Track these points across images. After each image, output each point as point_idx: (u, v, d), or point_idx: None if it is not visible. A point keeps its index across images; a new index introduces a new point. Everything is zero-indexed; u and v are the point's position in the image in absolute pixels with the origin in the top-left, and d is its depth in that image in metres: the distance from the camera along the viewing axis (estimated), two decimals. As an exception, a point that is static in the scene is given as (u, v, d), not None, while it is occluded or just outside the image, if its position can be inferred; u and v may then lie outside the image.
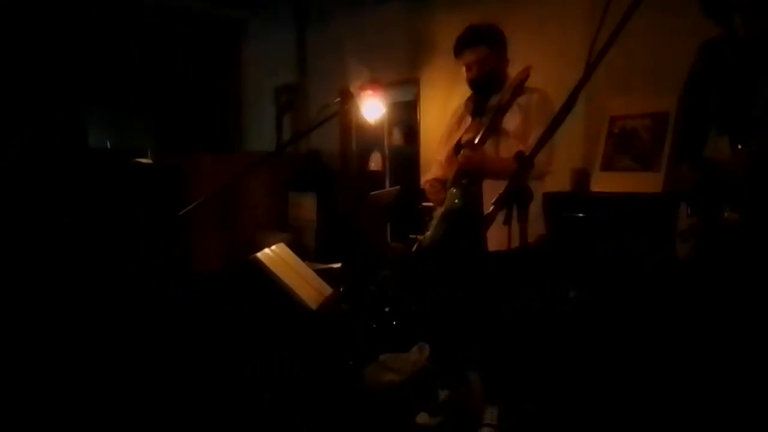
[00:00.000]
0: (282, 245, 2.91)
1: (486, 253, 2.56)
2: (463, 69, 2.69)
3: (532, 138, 2.47)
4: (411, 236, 4.32)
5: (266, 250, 2.71)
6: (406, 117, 4.89)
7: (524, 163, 1.60)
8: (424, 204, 4.30)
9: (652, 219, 3.21)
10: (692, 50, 3.35)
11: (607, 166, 3.62)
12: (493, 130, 2.57)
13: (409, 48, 4.75)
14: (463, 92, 4.51)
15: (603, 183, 3.59)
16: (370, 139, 5.08)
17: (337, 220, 5.32)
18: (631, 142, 3.58)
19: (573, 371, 3.03)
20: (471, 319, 2.73)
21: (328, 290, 2.90)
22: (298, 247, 5.09)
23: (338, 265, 3.80)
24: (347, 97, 5.31)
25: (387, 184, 5.01)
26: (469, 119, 2.74)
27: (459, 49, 2.66)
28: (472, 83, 2.67)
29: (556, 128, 1.51)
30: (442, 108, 4.69)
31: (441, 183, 2.76)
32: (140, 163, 3.99)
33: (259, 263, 2.57)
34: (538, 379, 3.04)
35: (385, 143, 5.06)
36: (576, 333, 3.14)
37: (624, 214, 3.29)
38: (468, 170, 2.49)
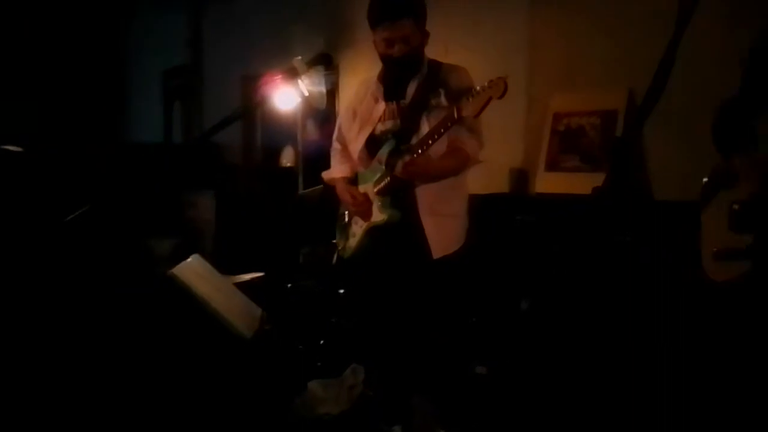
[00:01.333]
0: (197, 257, 2.35)
1: (432, 264, 2.19)
2: (376, 43, 2.24)
3: (466, 127, 2.14)
4: (334, 242, 3.86)
5: (183, 265, 2.15)
6: (324, 109, 4.40)
7: (624, 149, 1.23)
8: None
9: (605, 222, 3.04)
10: (646, 43, 3.25)
11: (552, 166, 3.38)
12: (416, 117, 2.19)
13: (327, 30, 4.27)
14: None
15: (548, 184, 3.34)
16: (281, 132, 4.54)
17: (241, 221, 4.73)
18: (577, 141, 3.35)
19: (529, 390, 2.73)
20: (415, 335, 2.33)
21: (257, 311, 2.38)
22: (192, 252, 4.49)
23: (258, 275, 3.26)
24: (251, 84, 4.78)
25: (300, 182, 4.49)
26: (382, 104, 2.30)
27: (377, 20, 2.18)
28: (393, 62, 2.20)
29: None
30: (365, 99, 4.27)
31: (352, 186, 2.34)
32: (5, 150, 3.18)
33: (177, 281, 2.00)
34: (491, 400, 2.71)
35: (299, 137, 4.55)
36: (532, 348, 2.85)
37: (577, 218, 3.06)
38: (410, 180, 2.09)
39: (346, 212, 2.47)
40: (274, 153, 4.72)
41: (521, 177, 3.54)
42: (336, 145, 2.58)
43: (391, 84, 2.30)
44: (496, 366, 2.69)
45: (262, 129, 4.91)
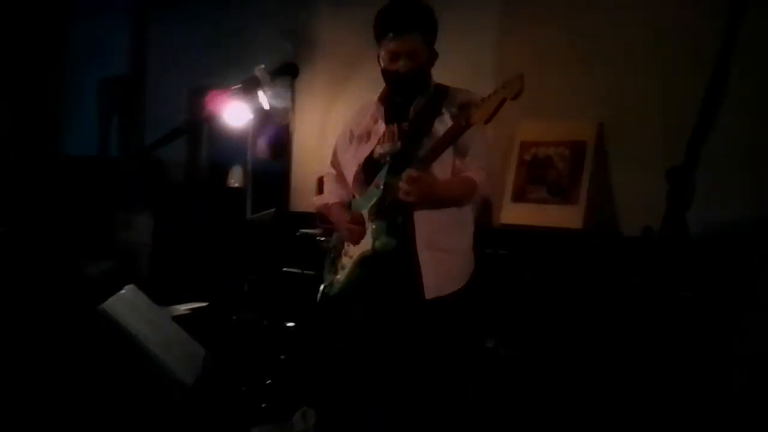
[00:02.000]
0: (132, 288, 2.05)
1: (423, 305, 1.97)
2: (381, 57, 2.05)
3: (471, 153, 1.94)
4: (285, 270, 3.58)
5: (115, 299, 1.85)
6: (276, 127, 4.14)
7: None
8: (304, 231, 3.62)
9: (579, 257, 2.90)
10: (617, 75, 3.18)
11: (519, 196, 3.22)
12: (419, 140, 1.99)
13: (284, 45, 4.03)
14: (351, 100, 3.99)
15: (514, 215, 3.19)
16: (229, 150, 4.23)
17: (181, 245, 4.38)
18: (545, 172, 3.22)
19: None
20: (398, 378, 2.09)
21: (200, 352, 2.09)
22: (126, 278, 4.11)
23: (200, 305, 2.96)
24: (198, 97, 4.47)
25: (248, 204, 4.19)
26: (382, 126, 2.11)
27: (384, 31, 2.00)
28: (397, 79, 2.01)
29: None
30: (322, 117, 4.03)
31: (348, 210, 2.13)
32: None
33: (107, 318, 1.70)
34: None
35: (249, 156, 4.27)
36: (501, 393, 2.64)
37: (547, 252, 2.91)
38: (413, 200, 1.84)
39: (334, 245, 2.24)
40: (221, 172, 4.41)
41: (485, 208, 3.38)
42: (330, 171, 2.38)
43: (392, 104, 2.11)
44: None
45: (208, 146, 4.60)
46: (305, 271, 3.41)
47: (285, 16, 4.11)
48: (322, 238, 3.45)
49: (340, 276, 2.12)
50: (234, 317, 3.40)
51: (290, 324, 3.58)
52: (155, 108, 4.77)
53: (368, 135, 2.14)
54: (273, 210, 3.49)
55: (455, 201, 1.99)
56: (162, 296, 3.19)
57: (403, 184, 1.81)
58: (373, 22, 2.07)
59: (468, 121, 1.78)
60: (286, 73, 2.03)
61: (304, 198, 4.00)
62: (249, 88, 1.98)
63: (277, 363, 3.01)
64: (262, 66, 2.02)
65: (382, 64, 2.04)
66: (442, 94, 2.05)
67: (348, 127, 2.25)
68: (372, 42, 3.78)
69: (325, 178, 2.39)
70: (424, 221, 1.99)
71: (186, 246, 4.36)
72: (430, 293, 1.96)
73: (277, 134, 4.16)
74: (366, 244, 2.02)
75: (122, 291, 1.94)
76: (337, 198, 2.27)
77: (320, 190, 3.61)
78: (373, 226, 2.00)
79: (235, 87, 1.98)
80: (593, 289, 2.71)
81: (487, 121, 1.76)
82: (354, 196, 2.21)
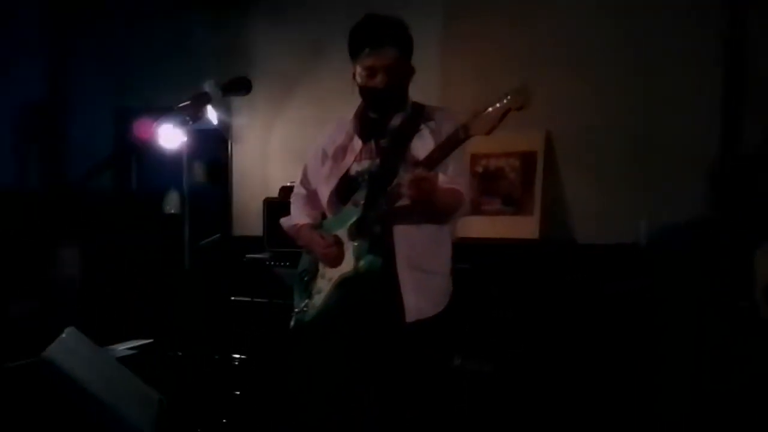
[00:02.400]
0: (73, 330, 1.83)
1: (403, 328, 1.86)
2: (357, 74, 1.95)
3: (452, 170, 1.86)
4: (233, 299, 3.38)
5: (57, 344, 1.63)
6: (213, 148, 3.94)
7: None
8: (251, 256, 3.43)
9: (543, 269, 2.88)
10: (563, 84, 3.20)
11: (474, 209, 3.17)
12: (398, 157, 1.91)
13: (219, 63, 3.86)
14: (292, 119, 3.86)
15: (470, 228, 3.13)
16: (162, 175, 3.99)
17: (114, 279, 4.09)
18: (497, 184, 3.20)
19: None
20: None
21: (152, 394, 1.89)
22: (53, 317, 3.77)
23: (144, 342, 2.73)
24: (126, 119, 4.21)
25: (186, 231, 3.95)
26: (358, 143, 2.02)
27: (360, 46, 1.93)
28: (374, 95, 1.93)
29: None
30: (262, 138, 3.87)
31: (322, 232, 2.00)
32: None
33: (54, 367, 1.50)
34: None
35: (185, 180, 4.04)
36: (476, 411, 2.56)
37: (510, 265, 2.87)
38: (416, 197, 1.74)
39: (306, 268, 2.09)
40: (155, 198, 4.15)
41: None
42: (299, 191, 2.23)
43: (369, 121, 2.01)
44: None
45: (138, 171, 4.33)
46: (255, 299, 3.24)
47: (219, 34, 3.94)
48: (272, 263, 3.29)
49: (316, 300, 1.98)
50: (180, 353, 3.18)
51: (239, 357, 3.40)
52: (78, 132, 4.45)
53: (344, 152, 2.03)
54: (218, 236, 3.30)
55: (447, 210, 1.89)
56: (97, 335, 2.95)
57: (412, 180, 1.69)
58: (348, 39, 1.96)
59: (468, 132, 1.68)
60: (239, 88, 1.89)
61: (248, 222, 3.82)
62: (198, 104, 1.83)
63: (232, 400, 2.81)
64: (211, 80, 1.87)
65: (359, 81, 1.94)
66: (419, 110, 1.99)
67: (320, 146, 2.13)
68: (313, 60, 3.74)
69: (292, 199, 2.24)
70: (403, 240, 1.89)
71: (120, 279, 4.07)
72: (411, 316, 1.86)
73: (215, 156, 3.97)
74: (347, 264, 1.90)
75: (63, 335, 1.72)
76: (307, 219, 2.14)
77: (269, 212, 3.47)
78: (355, 245, 1.89)
79: (182, 104, 1.82)
80: (563, 299, 2.69)
81: (488, 132, 1.66)
82: (323, 217, 2.08)
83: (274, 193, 3.49)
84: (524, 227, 3.03)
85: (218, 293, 3.36)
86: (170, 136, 3.95)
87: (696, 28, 2.83)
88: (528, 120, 3.12)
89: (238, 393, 2.88)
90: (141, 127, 3.95)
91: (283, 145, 3.80)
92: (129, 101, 4.16)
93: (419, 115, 1.96)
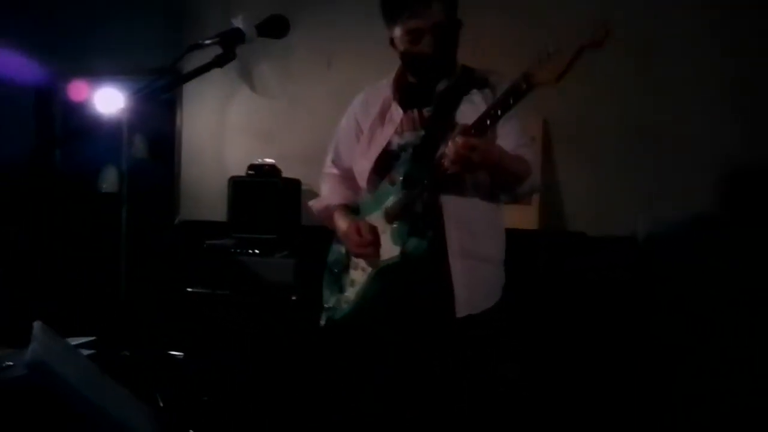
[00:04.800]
0: (40, 325, 1.41)
1: (454, 324, 1.59)
2: (396, 39, 1.65)
3: (514, 136, 1.61)
4: (189, 290, 2.95)
5: (36, 344, 1.23)
6: (158, 121, 3.47)
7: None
8: (210, 242, 3.02)
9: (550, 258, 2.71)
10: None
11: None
12: (446, 126, 1.63)
13: (168, 24, 3.40)
14: (251, 95, 3.45)
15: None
16: (98, 149, 3.47)
17: (36, 267, 3.52)
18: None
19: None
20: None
21: (131, 398, 1.52)
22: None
23: (86, 340, 2.30)
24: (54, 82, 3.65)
25: (124, 212, 3.46)
26: (399, 112, 1.73)
27: (400, 9, 1.61)
28: (422, 61, 1.63)
29: None
30: (220, 111, 3.45)
31: (357, 221, 1.68)
32: None
33: (44, 372, 1.10)
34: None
35: (124, 155, 3.54)
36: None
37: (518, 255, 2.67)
38: (477, 164, 1.45)
39: (337, 259, 1.76)
40: (89, 175, 3.62)
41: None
42: (331, 170, 1.90)
43: (411, 88, 1.72)
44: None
45: (68, 144, 3.76)
46: (216, 291, 2.84)
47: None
48: (238, 250, 2.91)
49: (350, 293, 1.66)
50: (126, 353, 2.73)
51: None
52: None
53: (382, 124, 1.73)
54: (176, 219, 2.88)
55: (510, 183, 1.62)
56: (21, 334, 2.47)
57: (457, 149, 1.41)
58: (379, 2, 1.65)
59: (531, 81, 1.39)
60: (279, 28, 1.53)
61: (200, 204, 3.39)
62: (228, 43, 1.46)
63: (201, 406, 2.43)
64: (240, 16, 1.51)
65: (401, 47, 1.64)
66: (470, 74, 1.72)
67: (352, 118, 1.81)
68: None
69: (322, 180, 1.90)
70: (455, 221, 1.61)
71: (46, 268, 3.50)
72: (461, 311, 1.59)
73: (162, 128, 3.49)
74: (387, 251, 1.59)
75: (35, 332, 1.30)
76: (341, 199, 1.81)
77: (235, 193, 3.07)
78: (394, 227, 1.59)
79: (209, 40, 1.44)
80: (562, 290, 2.55)
81: (558, 80, 1.38)
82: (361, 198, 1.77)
83: (234, 172, 3.09)
84: (524, 217, 2.85)
85: (171, 284, 2.94)
86: (108, 100, 3.45)
87: (700, 10, 2.76)
88: (524, 107, 2.97)
89: (205, 399, 2.50)
90: (75, 90, 3.45)
91: (247, 119, 3.40)
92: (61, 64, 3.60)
93: (470, 79, 1.69)
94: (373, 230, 1.63)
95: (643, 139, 2.82)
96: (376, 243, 1.62)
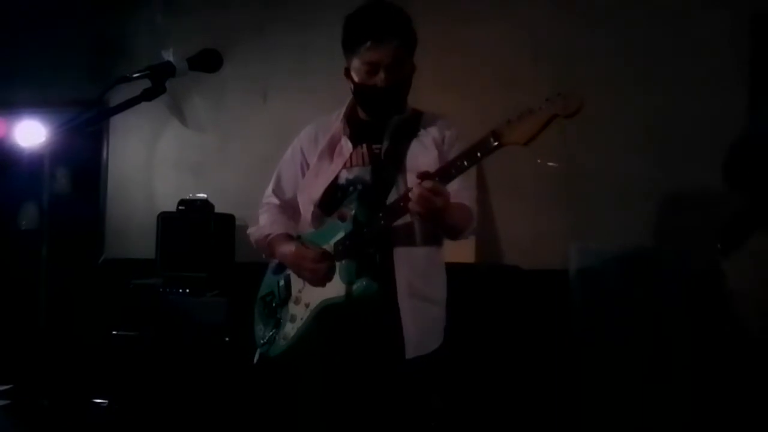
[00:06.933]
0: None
1: (403, 365, 1.56)
2: (353, 70, 1.62)
3: (457, 182, 1.60)
4: (114, 333, 2.79)
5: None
6: (83, 154, 3.31)
7: None
8: (137, 282, 2.87)
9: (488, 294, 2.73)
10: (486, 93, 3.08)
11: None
12: (396, 165, 1.62)
13: (95, 56, 3.29)
14: (181, 127, 3.38)
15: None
16: (18, 184, 3.28)
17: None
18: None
19: None
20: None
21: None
22: None
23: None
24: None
25: (44, 250, 3.27)
26: (348, 147, 1.70)
27: (360, 39, 1.59)
28: (374, 95, 1.62)
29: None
30: (149, 143, 3.33)
31: (306, 244, 1.64)
32: None
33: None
34: None
35: (45, 191, 3.37)
36: None
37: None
38: (424, 213, 1.44)
39: (272, 291, 1.68)
40: (7, 211, 3.42)
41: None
42: (272, 200, 1.83)
43: (361, 123, 1.70)
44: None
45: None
46: (144, 333, 2.70)
47: (93, 24, 3.37)
48: (167, 290, 2.78)
49: (289, 329, 1.60)
50: (46, 402, 2.56)
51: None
52: None
53: (330, 157, 1.70)
54: (101, 257, 2.74)
55: (456, 228, 1.62)
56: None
57: (421, 194, 1.38)
58: (342, 30, 1.63)
59: (500, 140, 1.36)
60: (210, 62, 1.47)
61: (126, 242, 3.24)
62: (157, 76, 1.39)
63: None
64: (171, 49, 1.44)
65: (356, 79, 1.62)
66: (418, 116, 1.73)
67: (297, 149, 1.77)
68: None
69: (261, 210, 1.84)
70: (404, 263, 1.59)
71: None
72: (410, 351, 1.57)
73: (86, 162, 3.34)
74: (333, 288, 1.55)
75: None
76: (283, 229, 1.76)
77: (164, 230, 2.95)
78: (341, 264, 1.55)
79: (138, 73, 1.37)
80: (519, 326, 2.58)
81: (526, 142, 1.38)
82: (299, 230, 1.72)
83: (164, 207, 2.99)
84: (461, 250, 2.86)
85: (95, 327, 2.78)
86: (29, 134, 3.30)
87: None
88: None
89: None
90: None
91: (178, 153, 3.30)
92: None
93: (418, 120, 1.70)
94: (324, 252, 1.59)
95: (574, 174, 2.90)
96: (328, 260, 1.57)
